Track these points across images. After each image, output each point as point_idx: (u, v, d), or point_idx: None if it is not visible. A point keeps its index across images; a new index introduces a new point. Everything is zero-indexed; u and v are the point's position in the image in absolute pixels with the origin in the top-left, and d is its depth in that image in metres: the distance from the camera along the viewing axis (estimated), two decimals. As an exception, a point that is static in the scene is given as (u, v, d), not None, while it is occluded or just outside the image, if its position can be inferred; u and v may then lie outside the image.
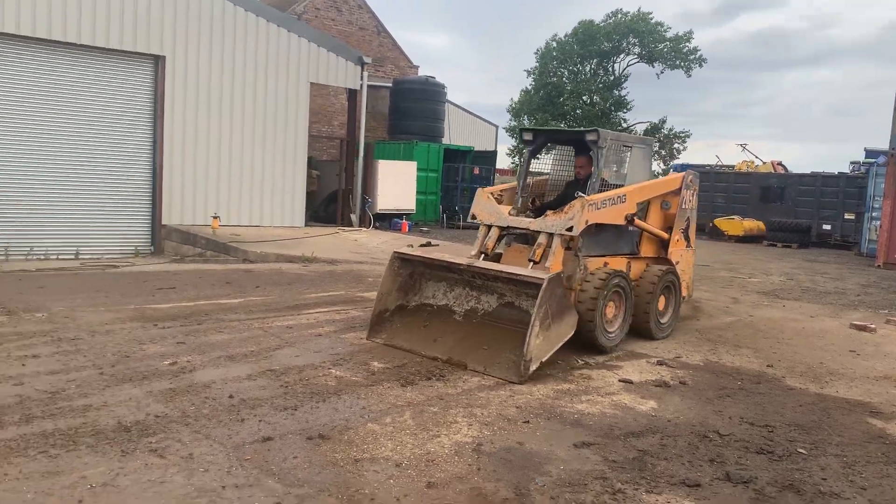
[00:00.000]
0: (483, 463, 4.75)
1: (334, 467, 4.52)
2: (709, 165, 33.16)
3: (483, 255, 7.99)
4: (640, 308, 8.40)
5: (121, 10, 15.49)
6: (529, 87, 55.28)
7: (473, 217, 8.39)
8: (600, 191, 8.00)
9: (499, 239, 8.18)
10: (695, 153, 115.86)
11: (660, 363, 7.69)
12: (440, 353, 7.11)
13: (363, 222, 21.08)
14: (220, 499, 3.99)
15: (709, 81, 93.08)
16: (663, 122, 53.72)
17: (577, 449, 5.12)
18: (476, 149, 28.04)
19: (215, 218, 16.54)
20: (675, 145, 53.84)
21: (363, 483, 4.33)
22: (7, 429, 4.78)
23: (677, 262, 9.24)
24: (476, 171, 26.42)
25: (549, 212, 7.75)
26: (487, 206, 8.30)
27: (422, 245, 17.42)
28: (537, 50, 54.30)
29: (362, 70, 19.95)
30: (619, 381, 6.93)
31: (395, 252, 7.90)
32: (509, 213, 8.14)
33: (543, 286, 6.59)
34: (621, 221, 8.10)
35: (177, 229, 16.35)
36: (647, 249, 9.07)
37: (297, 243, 15.53)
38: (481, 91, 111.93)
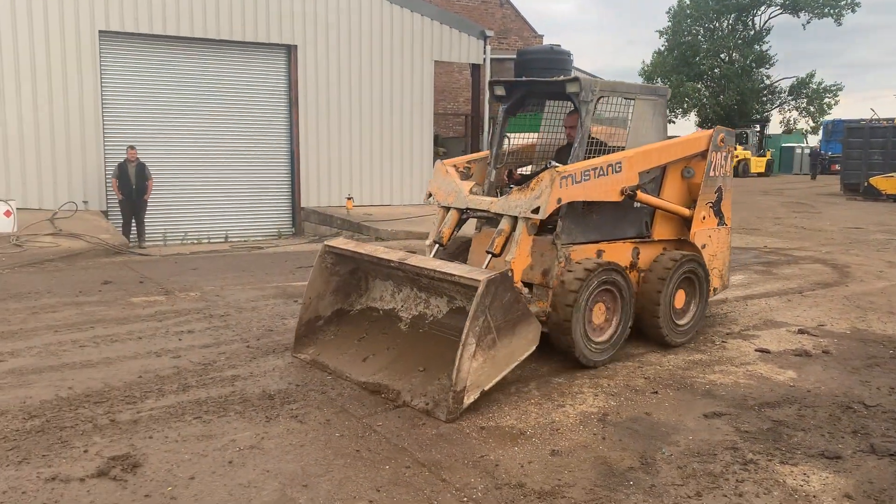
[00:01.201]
0: (608, 433, 4.74)
1: (460, 434, 4.67)
2: (863, 120, 30.65)
3: (437, 246, 6.40)
4: (648, 306, 6.44)
5: (254, 5, 16.32)
6: (662, 49, 53.17)
7: (429, 196, 6.73)
8: (590, 156, 6.12)
9: (459, 223, 6.54)
10: (848, 108, 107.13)
11: (801, 332, 7.31)
12: (368, 377, 5.51)
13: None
14: (354, 461, 4.24)
15: (863, 28, 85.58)
16: (811, 76, 50.17)
17: (706, 419, 5.00)
18: (605, 116, 27.35)
19: (349, 199, 17.20)
20: (826, 100, 50.14)
21: (488, 449, 4.45)
22: (167, 397, 5.28)
23: (704, 246, 7.07)
24: (605, 139, 25.77)
25: (514, 188, 6.06)
26: (445, 183, 6.57)
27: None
28: (669, 9, 52.07)
29: (485, 44, 19.94)
30: (756, 350, 6.67)
31: (325, 244, 6.25)
32: (472, 191, 6.39)
33: (479, 291, 4.84)
34: (615, 197, 6.06)
35: (315, 211, 17.16)
36: (663, 230, 6.89)
37: (426, 220, 15.87)
38: (611, 56, 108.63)
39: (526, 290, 5.88)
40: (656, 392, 5.53)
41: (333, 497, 3.84)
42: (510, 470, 4.19)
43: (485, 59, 20.05)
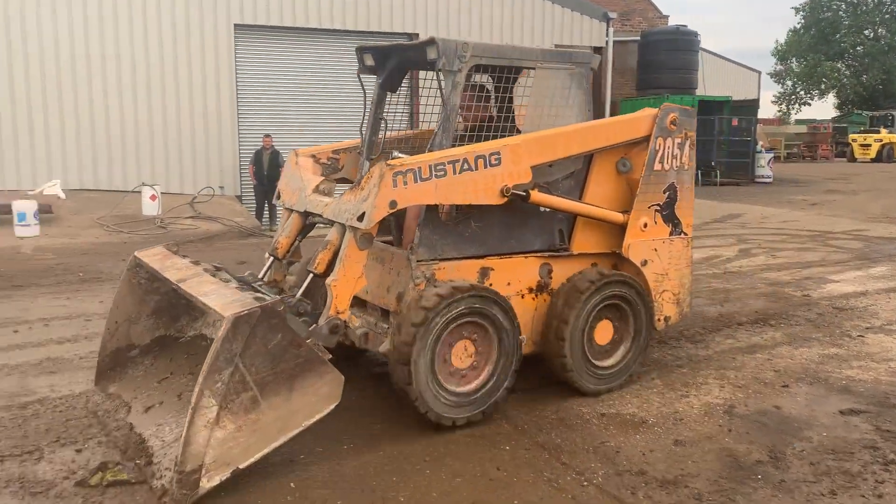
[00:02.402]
0: (735, 425, 4.60)
1: (580, 420, 4.67)
2: None
3: (272, 260, 5.08)
4: (552, 341, 4.89)
5: (379, -6, 16.73)
6: (798, 26, 50.12)
7: (278, 195, 5.37)
8: (464, 142, 4.79)
9: (304, 230, 5.12)
10: None
11: (953, 328, 6.77)
12: (149, 432, 4.19)
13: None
14: (476, 440, 4.34)
15: None
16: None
17: (843, 416, 4.75)
18: (734, 98, 26.18)
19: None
20: None
21: (609, 436, 4.43)
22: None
23: (645, 262, 5.27)
24: (735, 122, 24.70)
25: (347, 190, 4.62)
26: (293, 178, 5.23)
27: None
28: (807, -17, 48.94)
29: (608, 26, 19.52)
30: (900, 346, 6.24)
31: (134, 255, 4.91)
32: (318, 188, 4.96)
33: (222, 332, 3.58)
34: (492, 198, 4.58)
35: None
36: (589, 241, 5.21)
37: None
38: (742, 36, 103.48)
39: (357, 323, 4.53)
40: (787, 385, 5.30)
41: (459, 471, 3.96)
42: (631, 457, 4.15)
43: (607, 42, 19.63)
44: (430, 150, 4.64)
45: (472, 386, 4.52)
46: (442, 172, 4.38)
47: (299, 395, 3.84)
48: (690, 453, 4.21)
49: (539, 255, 5.01)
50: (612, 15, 19.79)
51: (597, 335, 5.04)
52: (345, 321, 4.26)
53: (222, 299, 3.90)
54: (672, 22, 30.69)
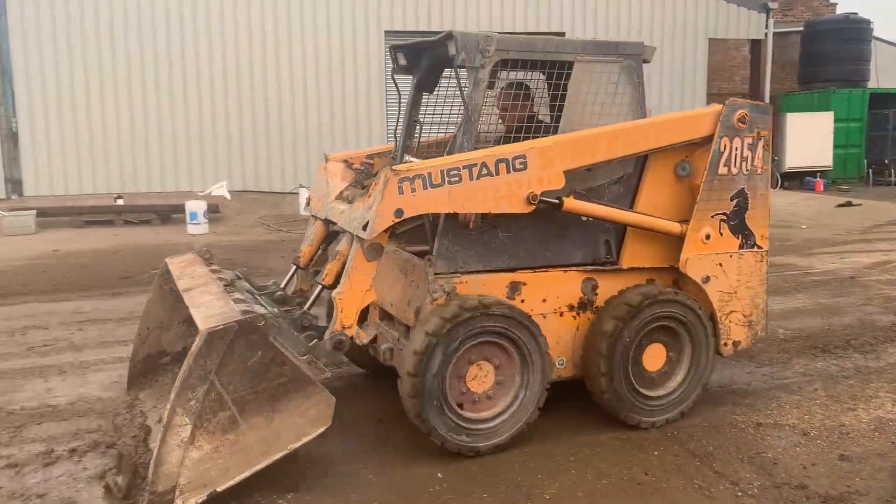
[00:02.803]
0: (911, 442, 4.24)
1: (733, 428, 4.47)
2: None
3: (295, 269, 4.99)
4: (589, 367, 4.42)
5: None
6: None
7: (307, 203, 5.30)
8: (484, 143, 4.47)
9: (328, 238, 4.94)
10: None
11: None
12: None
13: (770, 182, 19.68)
14: (624, 444, 4.27)
15: None
16: None
17: None
18: (913, 90, 23.97)
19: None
20: None
21: (765, 447, 4.21)
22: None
23: (707, 279, 4.64)
24: (912, 116, 22.61)
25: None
26: (321, 184, 5.04)
27: (839, 205, 15.66)
28: None
29: (767, 17, 18.49)
30: None
31: (166, 261, 4.83)
32: (342, 195, 4.68)
33: (195, 347, 3.44)
34: (517, 206, 4.14)
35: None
36: (643, 254, 4.65)
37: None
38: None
39: (364, 338, 4.30)
40: (974, 404, 4.81)
41: (605, 473, 3.93)
42: (791, 470, 3.93)
43: (766, 34, 18.59)
44: (448, 154, 4.44)
45: (493, 410, 4.14)
46: (456, 178, 3.97)
47: (284, 417, 3.60)
48: (858, 469, 3.92)
49: (581, 268, 4.51)
50: (773, 5, 18.71)
51: (645, 361, 4.48)
52: (351, 337, 4.02)
53: (208, 311, 3.72)
54: (841, 9, 28.54)
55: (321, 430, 3.67)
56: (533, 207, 4.14)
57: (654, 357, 4.51)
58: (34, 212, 12.21)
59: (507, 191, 4.07)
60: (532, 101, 4.77)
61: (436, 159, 4.14)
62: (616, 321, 4.29)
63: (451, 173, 3.96)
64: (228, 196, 14.72)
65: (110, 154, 15.08)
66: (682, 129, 4.56)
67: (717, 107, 4.61)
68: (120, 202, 13.16)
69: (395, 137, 5.19)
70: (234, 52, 15.57)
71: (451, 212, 4.07)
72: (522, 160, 4.08)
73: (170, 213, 13.08)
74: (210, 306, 3.81)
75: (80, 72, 14.73)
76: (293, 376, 3.61)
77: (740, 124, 4.59)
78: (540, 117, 4.69)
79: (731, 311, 4.74)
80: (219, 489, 3.45)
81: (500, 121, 4.77)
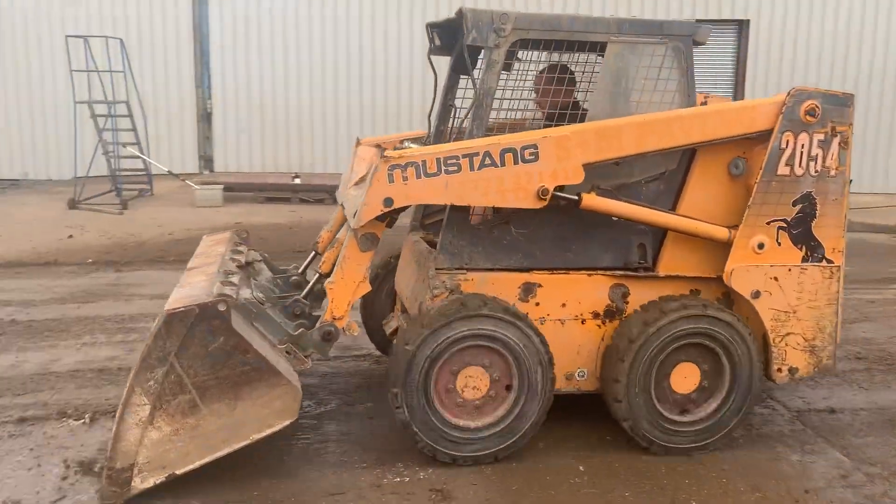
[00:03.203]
0: None
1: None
2: None
3: (313, 255, 4.83)
4: (607, 383, 4.06)
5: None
6: None
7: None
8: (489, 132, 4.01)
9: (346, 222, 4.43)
10: None
11: None
12: None
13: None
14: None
15: None
16: None
17: None
18: None
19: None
20: None
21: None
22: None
23: (757, 294, 4.09)
24: None
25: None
26: (348, 168, 4.82)
27: None
28: None
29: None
30: None
31: (203, 238, 5.01)
32: (362, 179, 4.39)
33: (155, 328, 3.45)
34: (526, 201, 3.78)
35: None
36: (688, 261, 4.17)
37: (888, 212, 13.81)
38: None
39: (355, 330, 4.03)
40: None
41: (760, 486, 3.75)
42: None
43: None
44: (457, 140, 4.16)
45: (488, 419, 3.87)
46: (455, 167, 3.66)
47: (248, 406, 3.51)
48: None
49: (610, 273, 4.12)
50: None
51: (674, 381, 4.05)
52: (342, 328, 3.88)
53: (181, 293, 3.72)
54: None
55: (286, 422, 3.54)
56: (544, 203, 3.76)
57: (684, 377, 4.05)
58: (222, 186, 13.27)
59: (514, 184, 3.72)
60: (576, 86, 4.44)
61: (432, 146, 3.93)
62: (639, 330, 3.92)
63: (449, 162, 3.67)
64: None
65: (291, 136, 16.08)
66: (733, 121, 3.99)
67: (779, 96, 4.02)
68: (297, 181, 13.99)
69: (429, 121, 4.79)
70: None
71: (449, 203, 3.79)
72: (533, 150, 3.72)
73: (341, 194, 13.75)
74: (192, 287, 3.79)
75: (268, 58, 15.80)
76: (257, 365, 3.50)
77: (808, 118, 3.96)
78: (584, 105, 4.25)
79: (789, 333, 4.15)
80: (178, 472, 3.44)
81: (538, 108, 4.43)
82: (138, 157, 13.39)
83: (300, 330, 3.93)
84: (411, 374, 3.70)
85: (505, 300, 3.91)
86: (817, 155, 4.00)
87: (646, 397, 3.96)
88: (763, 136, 3.96)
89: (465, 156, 3.67)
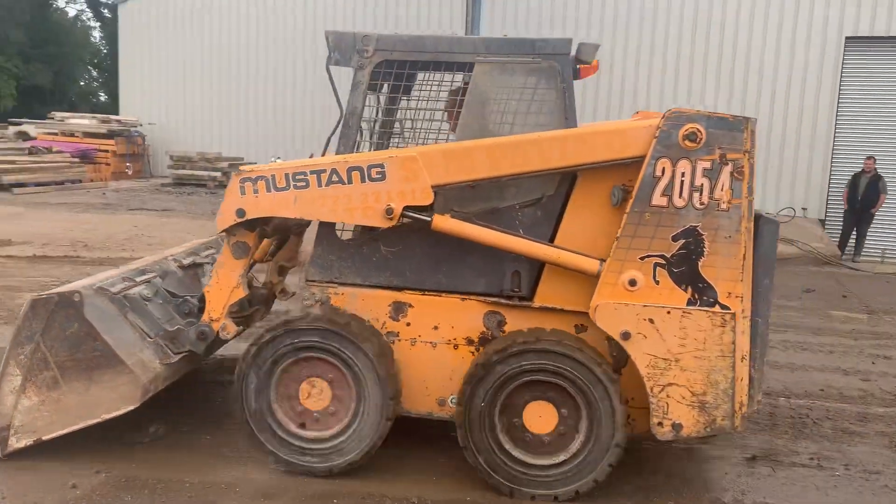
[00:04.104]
0: None
1: None
2: None
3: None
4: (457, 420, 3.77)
5: None
6: None
7: None
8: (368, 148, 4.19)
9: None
10: None
11: None
12: None
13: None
14: None
15: None
16: None
17: None
18: None
19: None
20: None
21: None
22: (842, 419, 5.08)
23: (627, 335, 3.61)
24: None
25: None
26: None
27: None
28: None
29: None
30: None
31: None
32: None
33: (23, 310, 3.95)
34: (373, 220, 3.78)
35: None
36: (568, 293, 3.81)
37: None
38: None
39: (231, 332, 4.13)
40: None
41: None
42: None
43: None
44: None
45: (332, 431, 3.91)
46: (303, 183, 3.80)
47: (98, 388, 3.91)
48: None
49: (484, 299, 3.94)
50: None
51: (527, 420, 3.76)
52: (216, 330, 4.08)
53: (77, 282, 4.26)
54: None
55: (128, 408, 3.88)
56: (392, 223, 3.77)
57: (539, 416, 3.73)
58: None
59: (362, 202, 3.77)
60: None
61: (283, 162, 4.01)
62: (477, 366, 3.69)
63: (297, 177, 3.80)
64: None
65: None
66: (600, 146, 3.68)
67: (651, 119, 3.62)
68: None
69: (327, 142, 4.50)
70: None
71: (299, 217, 3.94)
72: (380, 170, 3.74)
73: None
74: (87, 278, 4.40)
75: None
76: (104, 353, 3.90)
77: (689, 143, 3.54)
78: (490, 127, 4.07)
79: (671, 384, 3.62)
80: (44, 438, 3.92)
81: (451, 130, 4.28)
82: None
83: (177, 327, 4.22)
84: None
85: (364, 318, 3.97)
86: (703, 185, 3.55)
87: (491, 433, 3.74)
88: (638, 163, 3.60)
89: (312, 172, 3.80)
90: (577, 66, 4.06)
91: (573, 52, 3.96)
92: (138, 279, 4.48)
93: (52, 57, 29.03)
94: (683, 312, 3.61)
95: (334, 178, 3.81)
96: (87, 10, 33.47)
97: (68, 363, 3.92)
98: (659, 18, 15.57)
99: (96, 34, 33.61)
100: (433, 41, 4.06)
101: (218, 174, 17.57)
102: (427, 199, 3.77)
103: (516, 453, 3.76)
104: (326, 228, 4.09)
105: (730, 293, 3.58)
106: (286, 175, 3.84)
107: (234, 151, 19.00)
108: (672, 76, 15.56)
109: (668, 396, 3.65)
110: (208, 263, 5.10)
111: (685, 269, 3.61)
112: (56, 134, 18.61)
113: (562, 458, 3.73)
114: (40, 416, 3.94)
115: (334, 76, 4.10)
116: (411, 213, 3.80)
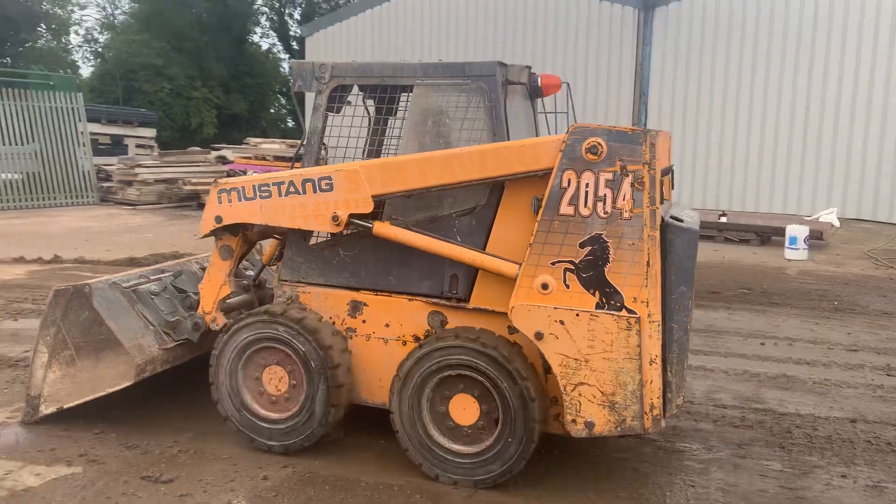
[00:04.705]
0: None
1: None
2: None
3: (262, 266, 5.27)
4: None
5: None
6: None
7: None
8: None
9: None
10: None
11: None
12: None
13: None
14: None
15: None
16: None
17: None
18: None
19: None
20: None
21: None
22: None
23: (540, 335, 3.80)
24: None
25: None
26: None
27: None
28: None
29: None
30: None
31: None
32: None
33: (49, 299, 4.67)
34: (325, 226, 4.23)
35: None
36: (503, 296, 3.99)
37: None
38: None
39: (220, 324, 4.70)
40: None
41: None
42: None
43: None
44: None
45: (289, 413, 4.40)
46: (267, 194, 4.36)
47: (104, 366, 4.59)
48: None
49: (427, 300, 4.29)
50: None
51: (453, 411, 4.13)
52: (207, 322, 4.71)
53: (106, 277, 4.96)
54: None
55: (125, 384, 4.54)
56: (339, 228, 4.24)
57: (463, 409, 4.08)
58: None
59: (315, 210, 4.26)
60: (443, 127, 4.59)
61: (253, 175, 4.58)
62: (406, 360, 4.12)
63: (262, 189, 4.36)
64: (837, 223, 13.78)
65: (722, 171, 15.76)
66: (515, 159, 3.95)
67: (557, 136, 3.88)
68: (723, 219, 13.65)
69: (294, 157, 5.07)
70: (870, 71, 14.47)
71: (265, 224, 4.44)
72: (328, 181, 4.22)
73: (770, 235, 12.95)
74: (109, 276, 5.01)
75: (706, 98, 15.74)
76: (107, 337, 4.58)
77: (591, 155, 3.77)
78: (428, 142, 4.51)
79: (582, 383, 3.82)
80: (65, 406, 4.65)
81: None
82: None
83: (176, 318, 4.86)
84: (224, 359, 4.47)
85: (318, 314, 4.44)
86: (606, 195, 3.75)
87: (422, 426, 4.12)
88: (548, 175, 3.84)
89: (274, 184, 4.35)
90: (539, 85, 4.64)
91: (507, 76, 4.33)
92: (152, 277, 5.18)
93: (248, 87, 31.81)
94: (591, 315, 3.78)
95: (291, 188, 4.33)
96: (278, 42, 36.37)
97: (82, 344, 4.63)
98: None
99: (285, 65, 36.38)
100: (379, 67, 4.50)
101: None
102: (368, 207, 4.18)
103: (442, 441, 4.12)
104: (295, 234, 4.55)
105: (635, 298, 3.72)
106: (253, 187, 4.40)
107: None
108: None
109: (580, 395, 3.84)
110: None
111: (592, 274, 3.80)
112: (250, 157, 20.39)
113: (481, 447, 4.05)
114: (62, 387, 4.67)
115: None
116: (356, 220, 4.23)
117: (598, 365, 3.78)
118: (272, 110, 35.75)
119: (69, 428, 4.70)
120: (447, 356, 4.02)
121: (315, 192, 4.27)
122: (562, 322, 3.81)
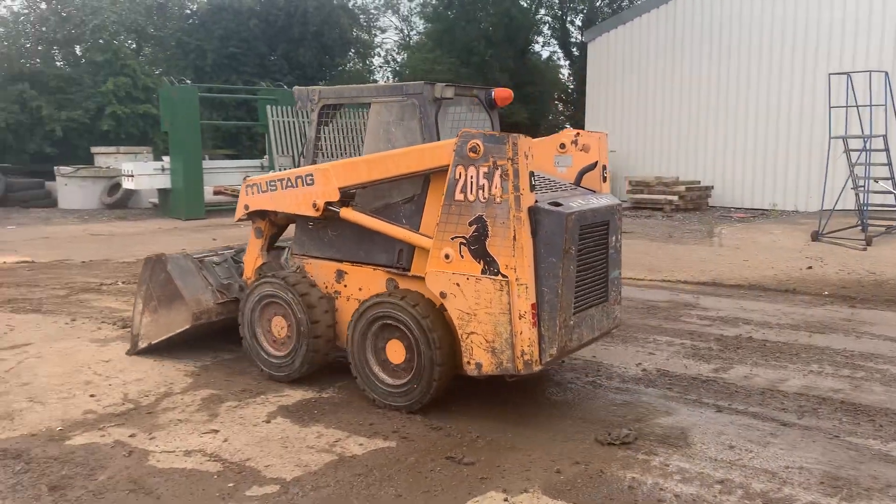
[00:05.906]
0: None
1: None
2: None
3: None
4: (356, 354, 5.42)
5: None
6: None
7: None
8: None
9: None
10: None
11: None
12: None
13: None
14: None
15: None
16: None
17: None
18: None
19: None
20: None
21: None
22: None
23: (444, 295, 4.96)
24: None
25: None
26: None
27: None
28: None
29: None
30: None
31: None
32: None
33: (143, 265, 6.36)
34: (310, 211, 5.62)
35: None
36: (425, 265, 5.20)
37: None
38: None
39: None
40: None
41: None
42: None
43: None
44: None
45: (285, 351, 5.77)
46: (274, 187, 5.84)
47: (174, 313, 6.19)
48: None
49: (384, 269, 5.48)
50: None
51: (388, 353, 5.27)
52: (248, 285, 6.07)
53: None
54: None
55: (186, 327, 6.15)
56: (319, 214, 5.56)
57: (395, 351, 5.21)
58: None
59: (304, 199, 5.62)
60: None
61: (268, 174, 6.07)
62: (354, 314, 5.38)
63: (272, 184, 5.85)
64: None
65: None
66: (426, 158, 5.09)
67: (451, 140, 4.92)
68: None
69: (294, 159, 6.89)
70: None
71: (275, 209, 5.95)
72: (311, 177, 5.58)
73: None
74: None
75: None
76: (175, 293, 6.16)
77: (472, 154, 4.76)
78: (381, 147, 5.72)
79: (472, 333, 4.87)
80: (153, 342, 6.33)
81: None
82: (890, 192, 12.87)
83: (228, 282, 6.43)
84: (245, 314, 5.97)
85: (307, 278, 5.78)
86: (484, 185, 4.75)
87: (365, 362, 5.32)
88: (442, 170, 4.97)
89: (279, 180, 5.83)
90: (493, 97, 5.89)
91: (435, 93, 5.37)
92: (219, 251, 6.88)
93: (528, 96, 32.78)
94: (477, 279, 4.81)
95: (289, 183, 5.73)
96: (559, 50, 36.93)
97: (161, 296, 6.20)
98: None
99: (564, 71, 36.79)
100: (349, 90, 5.94)
101: (675, 198, 17.66)
102: (336, 196, 5.48)
103: (382, 376, 5.28)
104: (301, 218, 5.88)
105: (507, 265, 4.70)
106: (266, 182, 5.90)
107: (690, 175, 19.04)
108: None
109: (471, 342, 4.88)
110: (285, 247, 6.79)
111: (478, 246, 4.80)
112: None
113: (402, 381, 5.17)
114: (151, 329, 6.32)
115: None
116: (329, 207, 5.50)
117: (483, 318, 4.81)
118: (550, 117, 36.40)
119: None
120: (380, 310, 5.18)
121: (303, 185, 5.61)
122: (458, 284, 4.88)
